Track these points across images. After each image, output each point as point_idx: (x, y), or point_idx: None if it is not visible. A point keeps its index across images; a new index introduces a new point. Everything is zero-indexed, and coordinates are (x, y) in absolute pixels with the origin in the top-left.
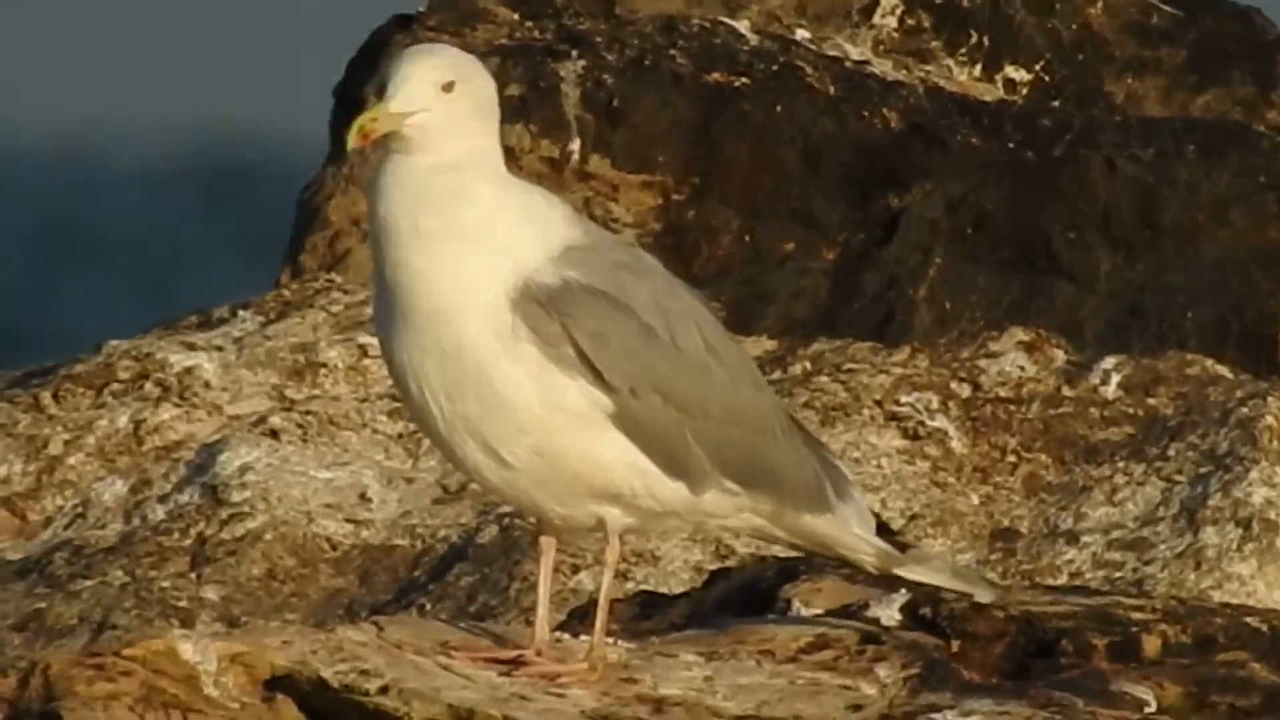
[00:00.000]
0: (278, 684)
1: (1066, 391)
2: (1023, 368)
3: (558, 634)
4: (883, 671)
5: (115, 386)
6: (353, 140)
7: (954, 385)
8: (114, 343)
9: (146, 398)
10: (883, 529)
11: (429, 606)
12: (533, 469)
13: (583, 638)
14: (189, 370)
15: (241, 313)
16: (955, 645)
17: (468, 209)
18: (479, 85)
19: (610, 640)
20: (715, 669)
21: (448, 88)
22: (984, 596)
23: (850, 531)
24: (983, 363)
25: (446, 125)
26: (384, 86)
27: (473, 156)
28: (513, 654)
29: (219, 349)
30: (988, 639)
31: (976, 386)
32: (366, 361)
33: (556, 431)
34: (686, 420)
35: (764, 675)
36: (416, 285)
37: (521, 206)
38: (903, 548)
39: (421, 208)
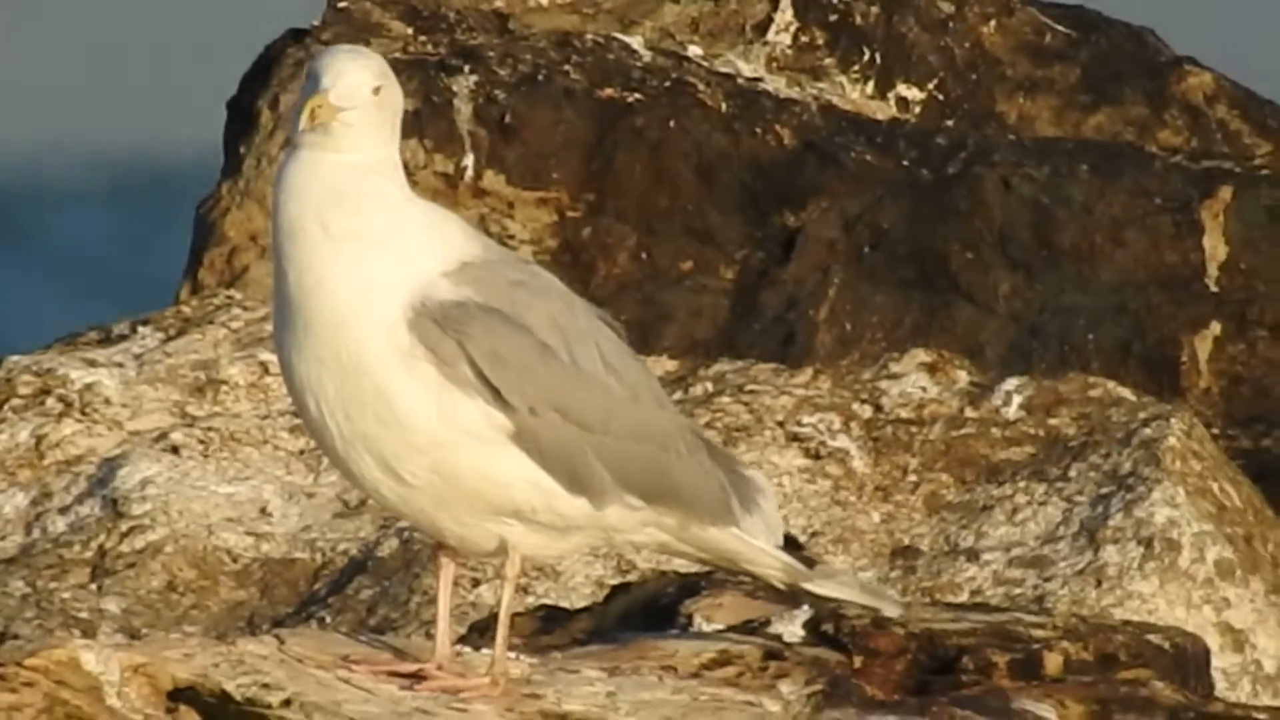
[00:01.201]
0: (181, 696)
1: (969, 413)
2: (924, 389)
3: (459, 648)
4: (786, 688)
5: (16, 402)
6: (304, 122)
7: (856, 406)
8: (14, 359)
9: (48, 413)
10: (791, 544)
11: (329, 619)
12: (431, 488)
13: (484, 652)
14: (90, 386)
15: (141, 329)
16: (857, 661)
17: (379, 213)
18: (397, 94)
19: (512, 655)
20: (618, 685)
21: (376, 91)
22: (891, 611)
23: (756, 546)
24: (884, 384)
25: (370, 127)
26: (314, 79)
27: (384, 163)
28: (413, 668)
29: (119, 365)
30: (889, 655)
31: (878, 408)
32: (268, 379)
33: (454, 451)
34: (587, 437)
35: (666, 691)
36: (319, 290)
37: (425, 217)
38: (810, 563)
39: (334, 208)
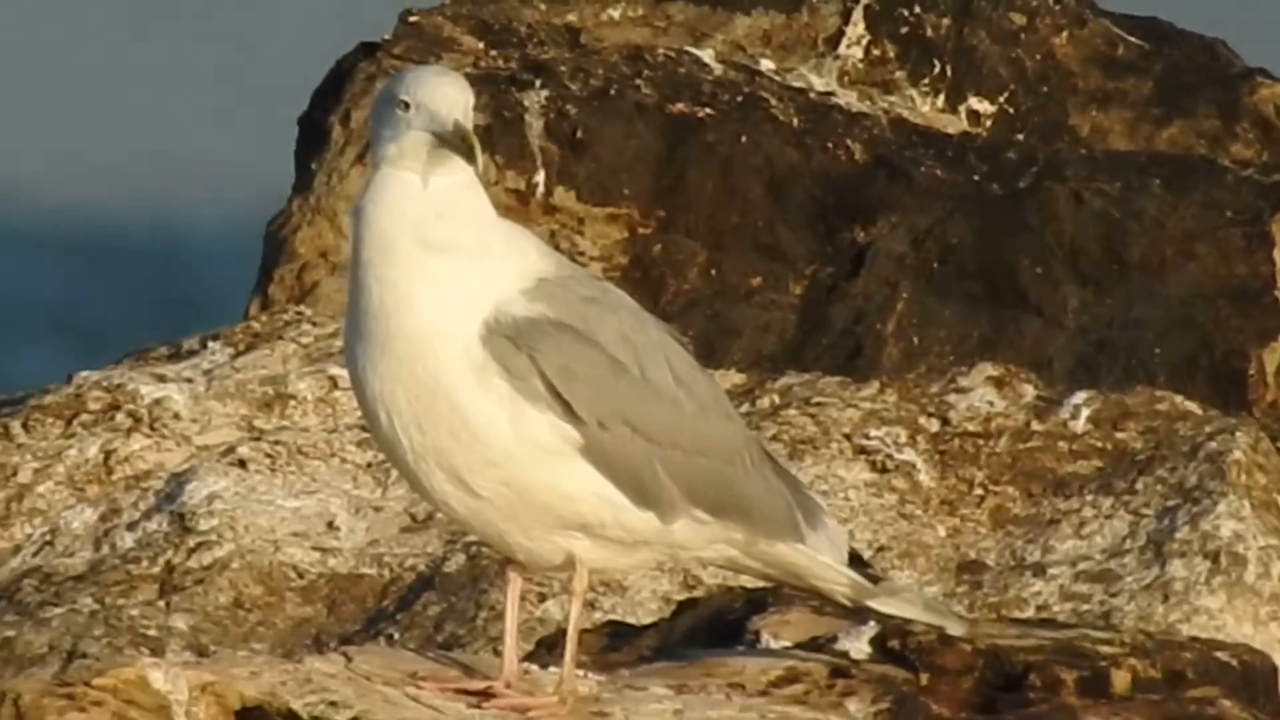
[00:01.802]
0: (248, 714)
1: (1035, 426)
2: (991, 403)
3: (526, 665)
4: (853, 706)
5: (85, 417)
6: (481, 161)
7: (922, 420)
8: (84, 373)
9: (117, 428)
10: (856, 560)
11: (397, 636)
12: (501, 501)
13: (551, 669)
14: (159, 401)
15: (211, 344)
16: (924, 679)
17: (473, 229)
18: None
19: (580, 672)
20: (685, 702)
21: None
22: (955, 629)
23: (822, 563)
24: (951, 398)
25: None
26: (422, 109)
27: (473, 179)
28: (482, 685)
29: (189, 380)
30: (956, 673)
31: (945, 421)
32: (336, 393)
33: (525, 464)
34: (656, 451)
35: (734, 709)
36: (402, 307)
37: (506, 235)
38: (875, 580)
39: (433, 221)
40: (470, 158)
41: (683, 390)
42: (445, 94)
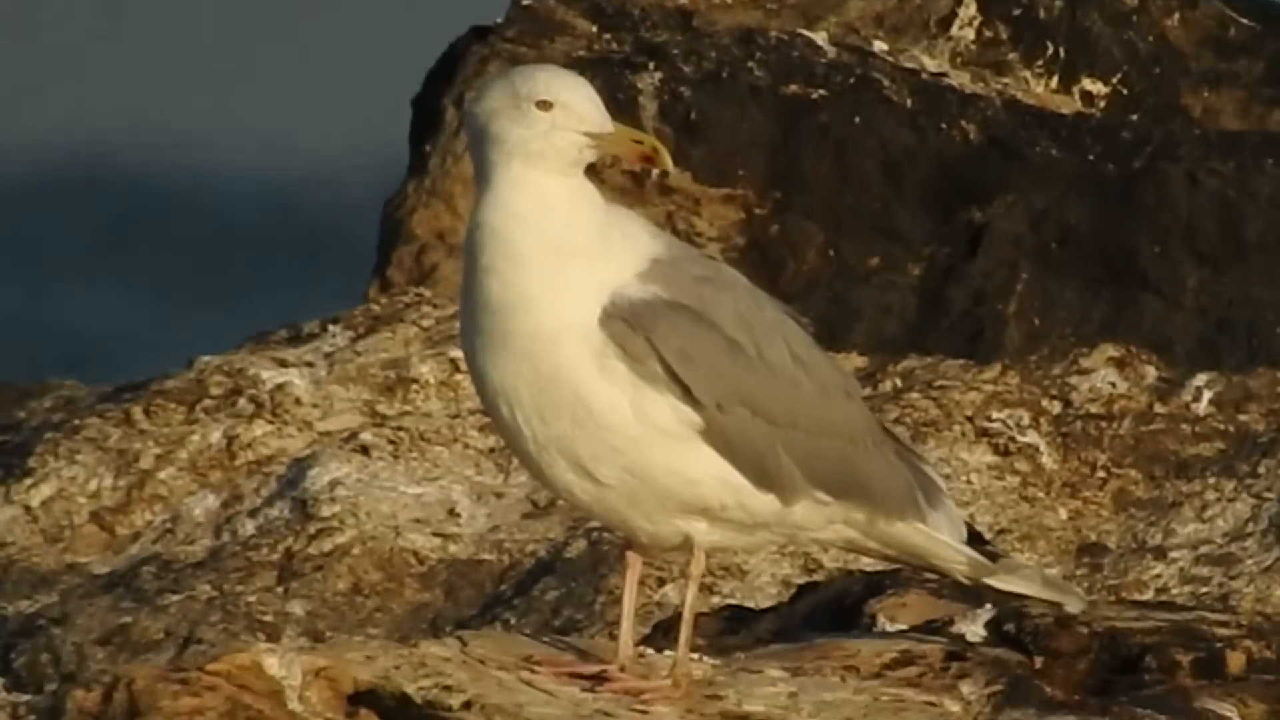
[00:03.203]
0: (361, 699)
1: (1158, 408)
2: (1114, 384)
3: (641, 649)
4: (966, 688)
5: (207, 402)
6: (669, 161)
7: (1045, 402)
8: (205, 358)
9: (239, 414)
10: (975, 538)
11: (514, 621)
12: (623, 486)
13: (667, 653)
14: (280, 387)
15: (331, 328)
16: (1039, 662)
17: (592, 223)
18: None
19: (695, 656)
20: (799, 685)
21: None
22: (1074, 606)
23: (942, 541)
24: (1074, 379)
25: None
26: (546, 103)
27: (585, 178)
28: (596, 669)
29: (310, 365)
30: (1071, 655)
31: (1067, 403)
32: (458, 377)
33: (648, 448)
34: (776, 432)
35: (848, 692)
36: (526, 308)
37: (620, 224)
38: (994, 557)
39: (562, 228)
40: (658, 159)
41: (801, 370)
42: (588, 95)
